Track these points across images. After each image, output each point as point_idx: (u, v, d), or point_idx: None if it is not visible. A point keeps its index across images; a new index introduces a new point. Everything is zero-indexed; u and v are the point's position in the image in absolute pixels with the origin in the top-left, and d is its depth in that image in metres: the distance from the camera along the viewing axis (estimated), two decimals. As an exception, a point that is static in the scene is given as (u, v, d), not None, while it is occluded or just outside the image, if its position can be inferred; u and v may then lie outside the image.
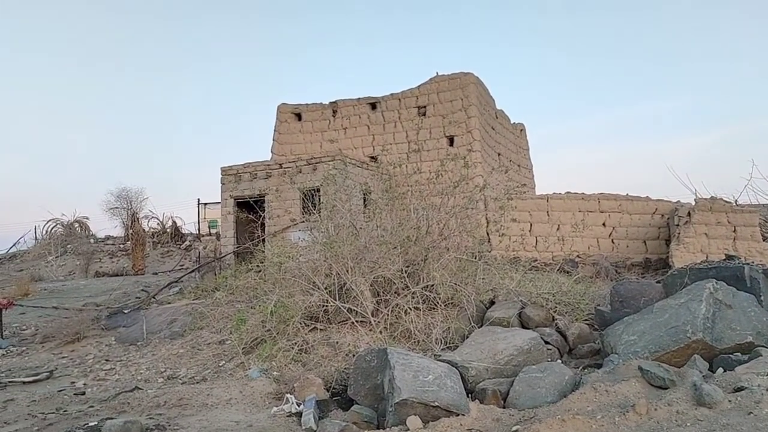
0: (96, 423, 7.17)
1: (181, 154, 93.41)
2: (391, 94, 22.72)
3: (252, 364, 9.43)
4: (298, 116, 23.67)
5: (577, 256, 17.19)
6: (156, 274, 24.79)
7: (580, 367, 7.91)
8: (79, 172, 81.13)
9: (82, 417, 7.56)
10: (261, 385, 8.38)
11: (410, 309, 9.49)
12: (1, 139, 77.48)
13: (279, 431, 6.55)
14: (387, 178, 12.25)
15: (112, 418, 7.24)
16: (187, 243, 33.22)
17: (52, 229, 33.05)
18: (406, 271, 10.10)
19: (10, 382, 9.59)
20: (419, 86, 22.39)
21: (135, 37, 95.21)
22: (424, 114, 21.82)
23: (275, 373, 8.81)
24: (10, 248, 34.16)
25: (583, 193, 19.53)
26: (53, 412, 7.81)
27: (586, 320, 9.57)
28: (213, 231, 33.36)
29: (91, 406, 8.06)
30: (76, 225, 33.90)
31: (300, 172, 16.82)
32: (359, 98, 23.32)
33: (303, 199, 15.49)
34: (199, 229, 35.40)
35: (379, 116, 22.56)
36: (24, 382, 9.53)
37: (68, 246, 31.40)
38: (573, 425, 5.11)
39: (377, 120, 22.54)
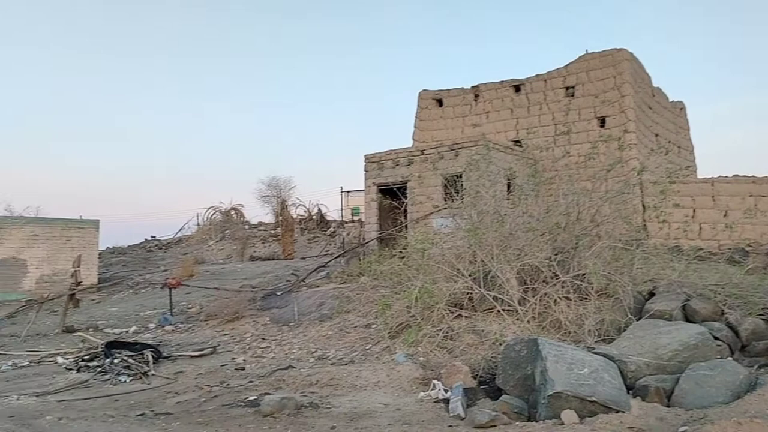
0: (255, 397, 7.59)
1: (326, 143, 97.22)
2: (536, 76, 21.90)
3: (398, 348, 9.51)
4: (439, 102, 23.57)
5: (748, 244, 15.60)
6: (304, 258, 25.96)
7: (755, 366, 7.15)
8: (234, 161, 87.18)
9: (242, 391, 8.04)
10: (407, 370, 8.43)
11: (560, 298, 9.08)
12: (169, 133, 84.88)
13: (427, 416, 6.53)
14: (532, 162, 11.80)
15: (269, 394, 7.63)
16: (331, 229, 34.49)
17: (212, 215, 35.73)
18: (554, 259, 9.68)
19: (179, 355, 10.44)
20: (567, 65, 21.37)
21: (285, 28, 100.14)
22: (572, 94, 20.81)
23: (421, 358, 8.82)
24: (176, 233, 37.45)
25: (753, 176, 17.69)
26: (217, 385, 8.38)
27: (760, 315, 8.61)
28: (356, 218, 34.34)
29: (251, 381, 8.55)
30: (233, 212, 36.38)
31: (442, 158, 16.75)
32: (502, 81, 22.74)
33: (445, 185, 15.40)
34: (342, 216, 36.61)
35: (523, 99, 21.86)
36: (191, 356, 10.33)
37: (226, 231, 33.78)
38: (750, 429, 4.57)
39: (521, 103, 21.86)
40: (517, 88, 22.20)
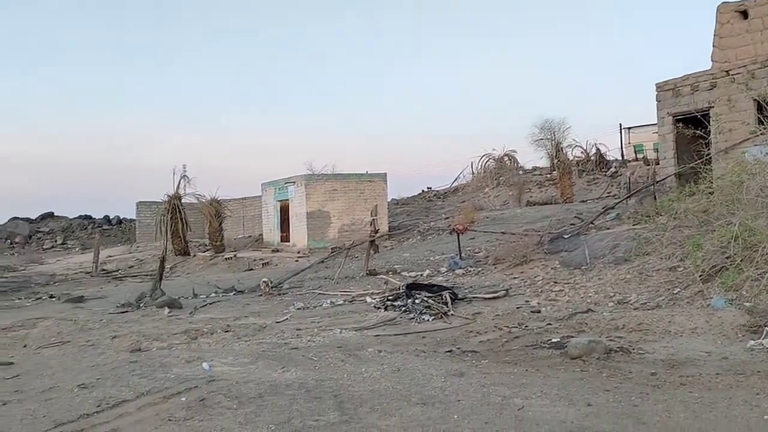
0: (558, 340, 7.42)
1: (601, 77, 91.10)
2: None
3: (713, 293, 8.51)
4: (744, 14, 20.12)
5: None
6: (584, 201, 24.84)
7: None
8: (501, 108, 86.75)
9: (542, 333, 7.93)
10: (730, 316, 7.48)
11: None
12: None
13: (763, 367, 5.69)
14: None
15: (572, 337, 7.39)
16: (612, 169, 32.40)
17: (485, 163, 36.10)
18: None
19: (473, 297, 10.73)
20: None
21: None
22: None
23: (747, 303, 7.74)
24: (453, 183, 38.73)
25: None
26: (516, 327, 8.40)
27: None
28: (639, 156, 31.70)
29: (549, 324, 8.39)
30: (506, 158, 36.26)
31: (753, 77, 14.31)
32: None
33: (760, 108, 13.17)
34: (623, 155, 34.08)
35: None
36: (485, 298, 10.54)
37: (500, 178, 33.89)
38: None
39: None
40: None
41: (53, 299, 14.11)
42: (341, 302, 11.47)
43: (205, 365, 6.71)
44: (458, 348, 7.42)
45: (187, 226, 23.43)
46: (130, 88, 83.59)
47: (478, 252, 15.60)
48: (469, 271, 13.55)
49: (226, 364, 6.86)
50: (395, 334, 8.48)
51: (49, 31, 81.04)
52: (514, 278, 12.04)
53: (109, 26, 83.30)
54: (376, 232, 17.25)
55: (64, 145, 78.30)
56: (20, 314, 11.59)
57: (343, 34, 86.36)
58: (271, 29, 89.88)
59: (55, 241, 35.42)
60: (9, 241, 35.32)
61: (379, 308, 10.49)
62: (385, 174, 24.84)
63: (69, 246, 34.49)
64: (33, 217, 39.54)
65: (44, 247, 34.58)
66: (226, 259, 20.79)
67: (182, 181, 23.43)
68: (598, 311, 8.83)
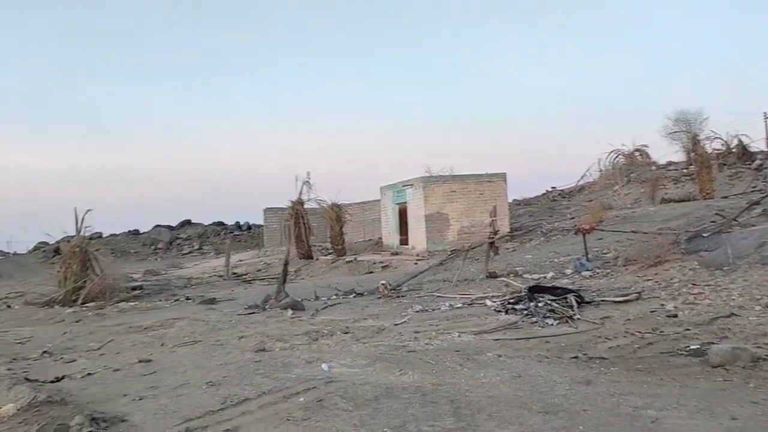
0: (697, 346, 6.78)
1: (739, 65, 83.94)
2: None
3: None
4: None
5: None
6: (726, 197, 22.89)
7: None
8: (630, 99, 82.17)
9: (679, 339, 7.28)
10: None
11: None
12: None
13: None
14: None
15: (713, 343, 6.73)
16: (757, 162, 29.69)
17: (614, 159, 34.28)
18: None
19: (602, 300, 10.11)
20: None
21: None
22: None
23: None
24: (578, 181, 37.15)
25: None
26: (649, 332, 7.78)
27: None
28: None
29: (687, 329, 7.71)
30: (637, 153, 34.28)
31: None
32: None
33: None
34: (769, 145, 31.10)
35: None
36: (615, 302, 9.89)
37: (631, 174, 32.07)
38: None
39: None
40: None
41: (189, 301, 15.03)
42: (460, 305, 11.24)
43: (324, 366, 6.78)
44: (585, 354, 6.99)
45: (310, 230, 24.20)
46: (258, 99, 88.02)
47: (607, 253, 14.76)
48: (597, 273, 12.84)
49: (344, 365, 6.89)
50: (516, 339, 8.14)
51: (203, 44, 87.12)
52: (647, 280, 11.24)
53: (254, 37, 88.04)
54: (496, 233, 16.87)
55: (201, 155, 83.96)
56: (160, 315, 12.44)
57: (467, 34, 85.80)
58: (392, 33, 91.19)
59: (193, 246, 38.04)
60: (153, 247, 38.37)
61: (499, 311, 10.16)
62: (505, 174, 24.30)
63: (204, 251, 36.87)
64: (173, 225, 42.66)
65: (183, 252, 37.23)
66: (346, 262, 21.22)
67: (304, 187, 24.24)
68: (743, 315, 8.02)
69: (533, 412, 4.73)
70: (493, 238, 16.28)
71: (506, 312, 9.98)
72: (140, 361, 7.84)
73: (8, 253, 40.28)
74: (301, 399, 5.39)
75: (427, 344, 7.95)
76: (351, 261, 21.10)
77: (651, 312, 8.89)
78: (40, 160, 76.82)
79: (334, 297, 13.55)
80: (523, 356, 7.02)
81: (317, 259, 23.56)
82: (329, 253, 25.10)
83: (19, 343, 10.29)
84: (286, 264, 13.37)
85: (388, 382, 5.96)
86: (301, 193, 24.46)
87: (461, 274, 14.83)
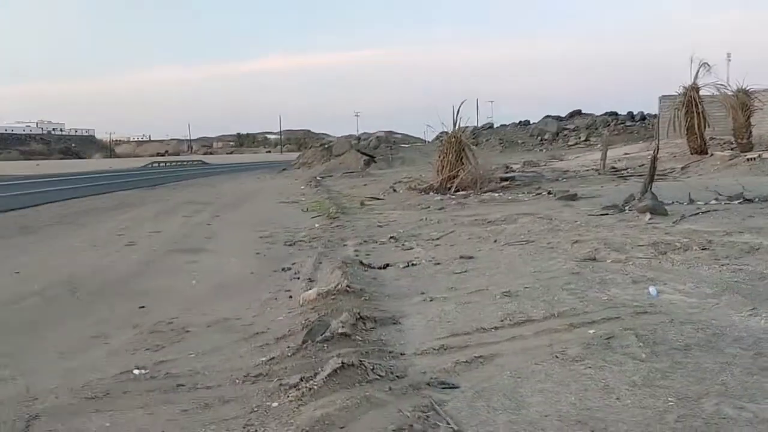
0: None
1: None
2: None
3: None
4: None
5: None
6: None
7: None
8: None
9: None
10: None
11: None
12: None
13: None
14: None
15: None
16: None
17: None
18: None
19: None
20: None
21: None
22: None
23: None
24: None
25: None
26: None
27: None
28: None
29: None
30: None
31: None
32: None
33: None
34: None
35: None
36: None
37: None
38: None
39: None
40: None
41: (550, 195, 14.37)
42: None
43: (651, 289, 5.47)
44: None
45: (706, 121, 20.58)
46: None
47: None
48: None
49: (680, 292, 5.43)
50: None
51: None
52: None
53: None
54: None
55: (594, 44, 79.69)
56: (514, 208, 12.15)
57: None
58: None
59: (579, 137, 36.68)
60: (540, 138, 38.35)
61: None
62: None
63: (591, 142, 35.21)
64: (563, 115, 41.77)
65: (569, 143, 36.25)
66: (747, 159, 17.46)
67: (701, 69, 20.47)
68: None
69: None
70: None
71: None
72: (461, 257, 7.62)
73: (419, 139, 45.39)
74: (591, 331, 4.33)
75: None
76: (754, 158, 17.29)
77: None
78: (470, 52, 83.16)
79: (714, 202, 11.23)
80: None
81: (711, 155, 20.08)
82: (733, 148, 21.18)
83: (379, 225, 11.23)
84: (653, 160, 11.52)
85: (723, 324, 4.40)
86: (696, 77, 20.83)
87: None
